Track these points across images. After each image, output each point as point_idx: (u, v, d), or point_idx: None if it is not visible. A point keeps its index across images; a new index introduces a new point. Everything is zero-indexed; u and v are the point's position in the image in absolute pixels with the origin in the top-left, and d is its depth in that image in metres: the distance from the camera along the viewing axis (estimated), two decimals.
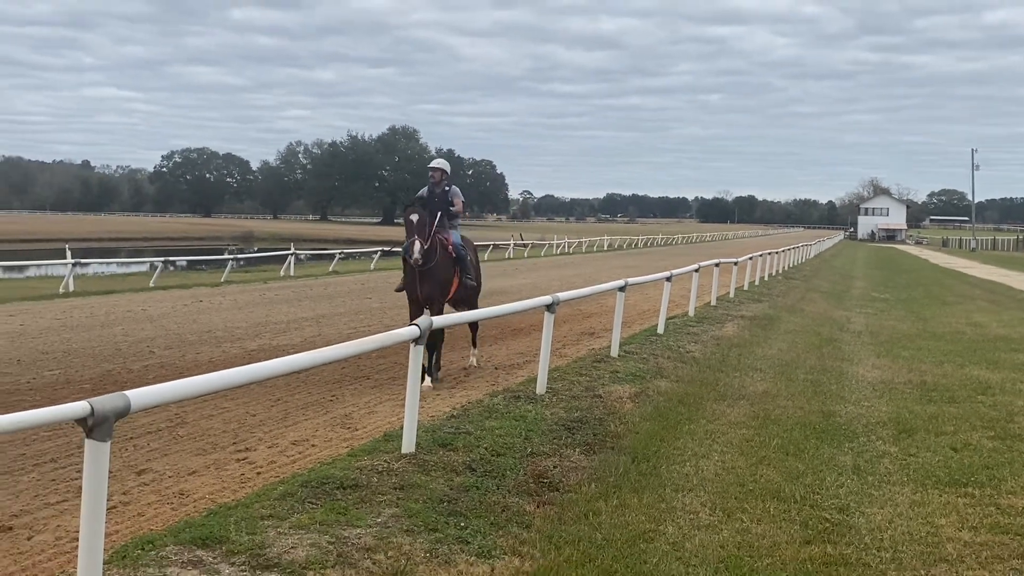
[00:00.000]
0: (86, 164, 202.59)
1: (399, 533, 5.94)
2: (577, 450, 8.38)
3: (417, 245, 11.43)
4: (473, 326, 12.82)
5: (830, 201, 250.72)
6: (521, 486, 7.19)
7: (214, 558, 5.40)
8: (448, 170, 12.72)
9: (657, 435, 9.09)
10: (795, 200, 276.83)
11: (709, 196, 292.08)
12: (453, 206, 12.44)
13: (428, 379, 11.16)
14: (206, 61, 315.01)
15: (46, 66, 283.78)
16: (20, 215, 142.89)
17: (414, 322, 7.92)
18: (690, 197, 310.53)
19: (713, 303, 22.31)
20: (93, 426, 4.39)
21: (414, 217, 11.60)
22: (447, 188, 12.44)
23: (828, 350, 16.22)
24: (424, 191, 12.50)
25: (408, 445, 7.77)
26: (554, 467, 7.75)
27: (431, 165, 12.95)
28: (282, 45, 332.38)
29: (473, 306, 12.71)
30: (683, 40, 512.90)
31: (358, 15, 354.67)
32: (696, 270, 20.41)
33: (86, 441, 4.44)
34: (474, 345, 13.29)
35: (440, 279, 11.87)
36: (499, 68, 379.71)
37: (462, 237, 12.92)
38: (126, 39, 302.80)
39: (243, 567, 5.29)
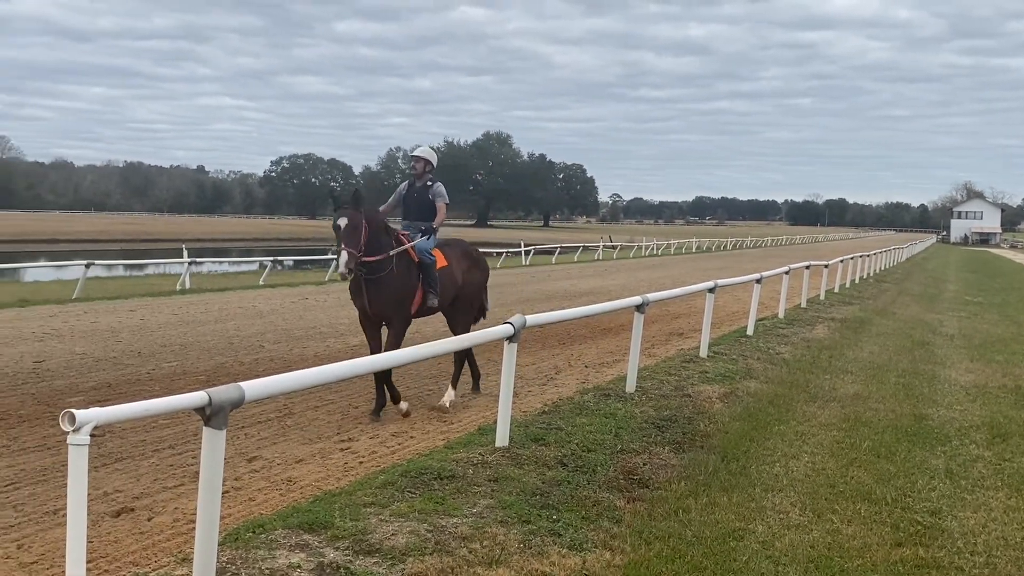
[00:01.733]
0: (201, 169, 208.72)
1: (494, 524, 5.98)
2: (667, 448, 8.31)
3: (344, 257, 8.81)
4: (462, 356, 10.29)
5: (922, 204, 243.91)
6: (611, 482, 7.16)
7: (319, 542, 5.52)
8: (434, 161, 10.26)
9: (747, 435, 8.94)
10: (887, 203, 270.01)
11: (799, 199, 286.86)
12: (434, 210, 10.09)
13: (404, 404, 9.42)
14: (312, 71, 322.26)
15: (165, 77, 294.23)
16: (140, 216, 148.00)
17: (508, 320, 7.93)
18: (779, 200, 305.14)
19: (803, 305, 21.88)
20: (211, 415, 4.54)
21: (342, 222, 8.92)
22: (430, 184, 10.10)
23: (920, 353, 15.72)
24: (403, 186, 10.46)
25: (502, 439, 7.82)
26: (644, 464, 7.70)
27: (413, 153, 10.50)
28: (384, 56, 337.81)
29: (464, 329, 10.06)
30: (772, 46, 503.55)
31: (457, 26, 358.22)
32: (786, 272, 20.02)
33: (204, 429, 4.58)
34: (453, 384, 10.23)
35: (395, 291, 9.31)
36: (590, 75, 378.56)
37: (447, 241, 10.50)
38: (239, 51, 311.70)
39: (346, 551, 5.40)
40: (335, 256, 9.64)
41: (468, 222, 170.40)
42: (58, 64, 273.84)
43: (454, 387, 10.14)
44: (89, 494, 3.98)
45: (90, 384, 10.85)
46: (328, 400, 10.06)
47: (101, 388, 10.58)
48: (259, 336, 15.59)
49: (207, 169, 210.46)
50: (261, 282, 29.20)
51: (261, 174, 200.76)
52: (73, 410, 3.80)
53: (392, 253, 9.20)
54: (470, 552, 5.49)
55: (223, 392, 4.59)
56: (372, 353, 9.04)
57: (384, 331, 9.70)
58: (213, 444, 4.58)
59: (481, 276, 10.80)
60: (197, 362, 12.72)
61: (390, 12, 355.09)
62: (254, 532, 5.63)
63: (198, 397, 4.49)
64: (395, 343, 9.28)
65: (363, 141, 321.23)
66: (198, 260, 31.10)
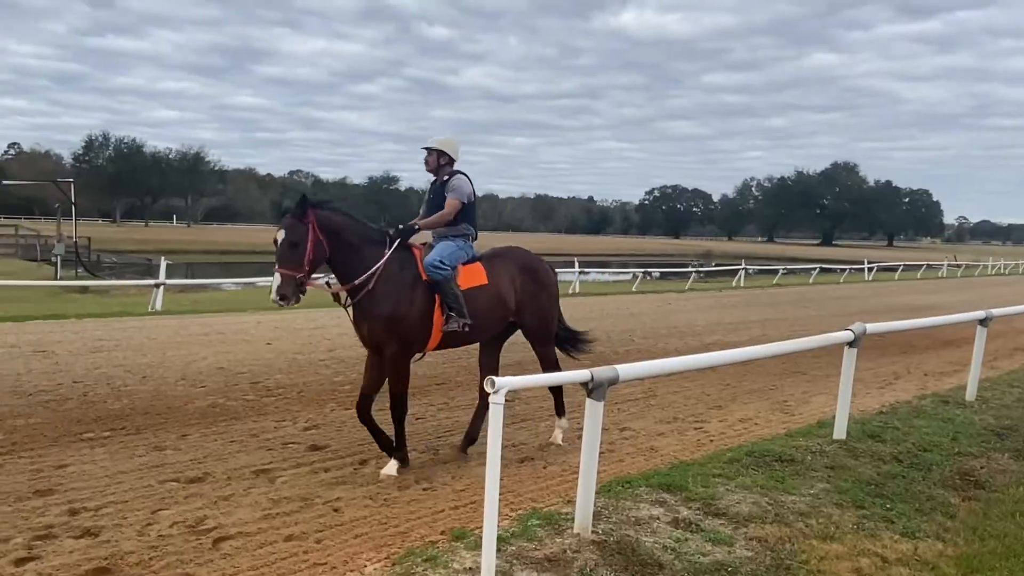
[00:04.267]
0: (591, 199, 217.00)
1: (829, 505, 5.63)
2: (1006, 455, 7.26)
3: (276, 280, 5.79)
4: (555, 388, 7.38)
5: None
6: (946, 480, 6.41)
7: (675, 501, 5.55)
8: (452, 151, 6.73)
9: None
10: None
11: None
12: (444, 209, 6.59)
13: (393, 466, 6.27)
14: (682, 117, 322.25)
15: (568, 127, 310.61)
16: (543, 236, 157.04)
17: (848, 327, 7.40)
18: None
19: None
20: (592, 388, 4.76)
21: (280, 235, 5.86)
22: (447, 179, 6.68)
23: None
24: (430, 190, 6.88)
25: (839, 432, 7.32)
26: (981, 467, 6.79)
27: (423, 146, 6.79)
28: (744, 100, 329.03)
29: (548, 360, 7.26)
30: None
31: (811, 71, 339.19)
32: None
33: (587, 400, 4.82)
34: (558, 412, 7.49)
35: (382, 313, 6.12)
36: (939, 107, 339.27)
37: (498, 251, 7.10)
38: (623, 103, 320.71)
39: (697, 511, 5.37)
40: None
41: (813, 241, 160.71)
42: (491, 121, 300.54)
43: (560, 414, 7.47)
44: (502, 445, 4.34)
45: (505, 362, 11.66)
46: (685, 387, 10.03)
47: (514, 366, 11.39)
48: (630, 332, 15.91)
49: (595, 199, 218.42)
50: (633, 289, 29.76)
51: (636, 202, 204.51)
52: (493, 376, 4.18)
53: (372, 272, 6.09)
54: (806, 526, 5.21)
55: (603, 372, 4.80)
56: (364, 387, 6.41)
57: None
58: (593, 412, 4.80)
59: (544, 291, 7.14)
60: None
61: (752, 63, 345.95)
62: (623, 487, 5.80)
63: (583, 374, 4.73)
64: (392, 378, 6.32)
65: (722, 172, 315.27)
66: (585, 270, 32.37)
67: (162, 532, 4.90)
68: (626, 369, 5.06)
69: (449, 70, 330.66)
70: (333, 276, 6.35)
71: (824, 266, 44.75)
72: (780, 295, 28.60)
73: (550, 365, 7.22)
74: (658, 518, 5.21)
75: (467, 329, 6.39)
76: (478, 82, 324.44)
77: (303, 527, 5.03)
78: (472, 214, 6.77)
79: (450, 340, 6.53)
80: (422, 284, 6.27)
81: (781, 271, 40.34)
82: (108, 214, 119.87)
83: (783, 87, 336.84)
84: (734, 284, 34.50)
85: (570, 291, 27.65)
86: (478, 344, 7.10)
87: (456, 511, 5.37)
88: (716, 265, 49.30)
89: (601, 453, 6.53)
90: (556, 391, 7.43)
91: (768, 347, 6.82)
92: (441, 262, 6.32)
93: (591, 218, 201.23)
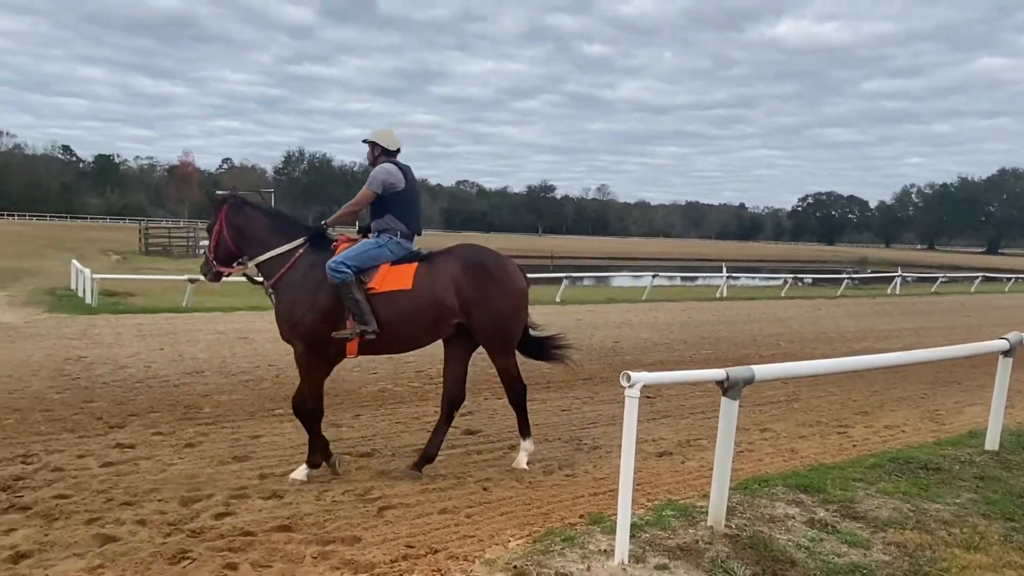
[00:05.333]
0: (742, 206, 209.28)
1: (975, 515, 5.19)
2: None
3: (203, 260, 6.15)
4: (518, 401, 6.09)
5: None
6: None
7: (812, 502, 5.32)
8: (384, 142, 6.00)
9: None
10: None
11: None
12: (384, 208, 5.87)
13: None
14: (839, 124, 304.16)
15: (720, 136, 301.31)
16: (694, 242, 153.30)
17: (1004, 336, 6.78)
18: None
19: None
20: (727, 387, 4.65)
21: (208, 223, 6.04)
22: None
23: None
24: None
25: (991, 443, 6.73)
26: None
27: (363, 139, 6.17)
28: (904, 106, 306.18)
29: (506, 372, 5.98)
30: None
31: (976, 76, 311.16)
32: None
33: (722, 399, 4.72)
34: (522, 433, 6.19)
35: (283, 311, 5.73)
36: None
37: (451, 250, 5.95)
38: (777, 112, 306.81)
39: (835, 513, 5.13)
40: None
41: (978, 249, 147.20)
42: (645, 132, 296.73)
43: (524, 436, 6.20)
44: (641, 439, 4.35)
45: (648, 361, 11.63)
46: (830, 392, 9.54)
47: (656, 365, 11.29)
48: (777, 336, 15.30)
49: (746, 205, 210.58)
50: (782, 294, 28.50)
51: (789, 208, 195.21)
52: (629, 371, 4.18)
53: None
54: (949, 535, 4.85)
55: (738, 371, 4.68)
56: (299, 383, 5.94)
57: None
58: (728, 410, 4.69)
59: (499, 291, 5.80)
60: (727, 352, 12.90)
61: (913, 69, 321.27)
62: (759, 485, 5.61)
63: (719, 373, 4.63)
64: (302, 380, 5.77)
65: (879, 179, 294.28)
66: (734, 275, 31.35)
67: (335, 498, 5.25)
68: (762, 369, 4.90)
69: (605, 84, 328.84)
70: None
71: (988, 275, 40.94)
72: (938, 303, 26.48)
73: (510, 380, 5.96)
74: (793, 517, 5.01)
75: (368, 337, 5.53)
76: (633, 95, 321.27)
77: (455, 502, 5.23)
78: (402, 207, 5.82)
79: (371, 347, 5.66)
80: (329, 286, 5.58)
81: (941, 279, 37.29)
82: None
83: (947, 92, 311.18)
84: (889, 291, 32.31)
85: (718, 295, 26.88)
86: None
87: (595, 497, 5.40)
88: (871, 272, 46.23)
89: (739, 452, 6.38)
90: (521, 409, 6.09)
91: (914, 353, 6.37)
92: (343, 263, 5.55)
93: (742, 224, 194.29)
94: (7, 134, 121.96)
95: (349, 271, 5.54)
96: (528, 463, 6.08)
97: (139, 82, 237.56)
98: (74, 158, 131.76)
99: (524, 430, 6.16)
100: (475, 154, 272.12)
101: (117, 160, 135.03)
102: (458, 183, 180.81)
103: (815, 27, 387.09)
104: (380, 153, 5.99)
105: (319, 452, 5.75)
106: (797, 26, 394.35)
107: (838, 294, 29.45)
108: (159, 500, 5.10)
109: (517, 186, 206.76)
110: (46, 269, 26.69)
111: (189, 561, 4.17)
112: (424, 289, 5.65)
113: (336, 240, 5.89)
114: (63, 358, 10.18)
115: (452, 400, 6.02)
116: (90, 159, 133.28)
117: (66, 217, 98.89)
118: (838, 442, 7.29)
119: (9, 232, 56.15)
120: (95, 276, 17.42)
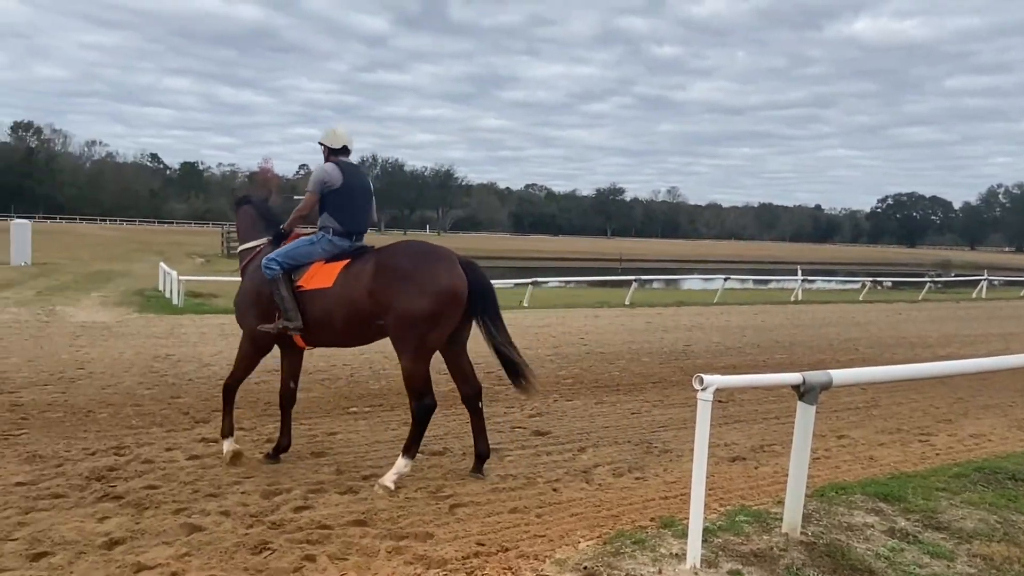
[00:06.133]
0: (817, 207, 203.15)
1: None
2: None
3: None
4: (419, 416, 5.59)
5: None
6: None
7: (892, 511, 5.15)
8: (329, 141, 5.99)
9: None
10: None
11: None
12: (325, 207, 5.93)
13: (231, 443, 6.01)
14: (920, 123, 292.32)
15: (795, 136, 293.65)
16: (767, 244, 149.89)
17: None
18: None
19: None
20: (804, 392, 4.54)
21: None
22: None
23: None
24: None
25: None
26: None
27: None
28: (991, 104, 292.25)
29: (409, 382, 5.54)
30: None
31: None
32: None
33: (798, 403, 4.61)
34: (404, 450, 5.64)
35: (236, 299, 6.22)
36: None
37: (386, 248, 5.70)
38: (855, 111, 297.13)
39: (916, 523, 4.95)
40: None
41: None
42: (717, 133, 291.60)
43: (404, 453, 5.62)
44: (714, 443, 4.27)
45: (720, 364, 11.44)
46: (912, 399, 9.20)
47: (727, 369, 11.08)
48: (854, 341, 14.83)
49: (822, 207, 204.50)
50: (860, 298, 27.56)
51: (867, 210, 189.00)
52: (702, 374, 4.13)
53: (244, 265, 6.38)
54: None
55: (815, 376, 4.56)
56: (282, 376, 6.27)
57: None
58: (805, 415, 4.58)
59: (413, 287, 5.33)
60: (801, 356, 12.58)
61: (1001, 65, 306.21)
62: (836, 492, 5.46)
63: (795, 377, 4.52)
64: (235, 362, 6.15)
65: (964, 180, 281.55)
66: (809, 278, 30.52)
67: (408, 495, 5.35)
68: (840, 374, 4.76)
69: (677, 86, 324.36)
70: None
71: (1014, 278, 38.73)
72: None
73: (412, 389, 5.51)
74: (872, 526, 4.86)
75: (291, 332, 5.71)
76: (705, 96, 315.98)
77: (526, 502, 5.26)
78: (338, 206, 5.80)
79: (314, 340, 5.88)
80: (268, 281, 5.77)
81: None
82: (374, 224, 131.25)
83: None
84: (975, 296, 30.91)
85: (792, 299, 26.20)
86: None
87: (666, 501, 5.35)
88: (955, 275, 44.28)
89: (815, 459, 6.21)
90: (418, 424, 5.59)
91: (1001, 359, 6.08)
92: (274, 260, 5.73)
93: (818, 226, 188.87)
94: (100, 143, 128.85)
95: (278, 268, 5.74)
96: (396, 485, 5.37)
97: (222, 91, 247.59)
98: (161, 166, 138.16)
99: (407, 447, 5.59)
100: (544, 157, 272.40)
101: (201, 167, 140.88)
102: (527, 186, 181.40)
103: (894, 24, 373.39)
104: (329, 153, 6.03)
105: (223, 432, 6.08)
106: (875, 23, 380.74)
107: (920, 298, 28.34)
108: (242, 492, 5.29)
109: (586, 189, 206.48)
110: (135, 271, 27.96)
111: (270, 552, 4.32)
112: (340, 288, 5.60)
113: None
114: (152, 356, 10.66)
115: (468, 395, 5.88)
116: (176, 166, 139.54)
117: (154, 222, 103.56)
118: (920, 450, 7.03)
119: (102, 236, 59.12)
120: (181, 278, 18.16)
